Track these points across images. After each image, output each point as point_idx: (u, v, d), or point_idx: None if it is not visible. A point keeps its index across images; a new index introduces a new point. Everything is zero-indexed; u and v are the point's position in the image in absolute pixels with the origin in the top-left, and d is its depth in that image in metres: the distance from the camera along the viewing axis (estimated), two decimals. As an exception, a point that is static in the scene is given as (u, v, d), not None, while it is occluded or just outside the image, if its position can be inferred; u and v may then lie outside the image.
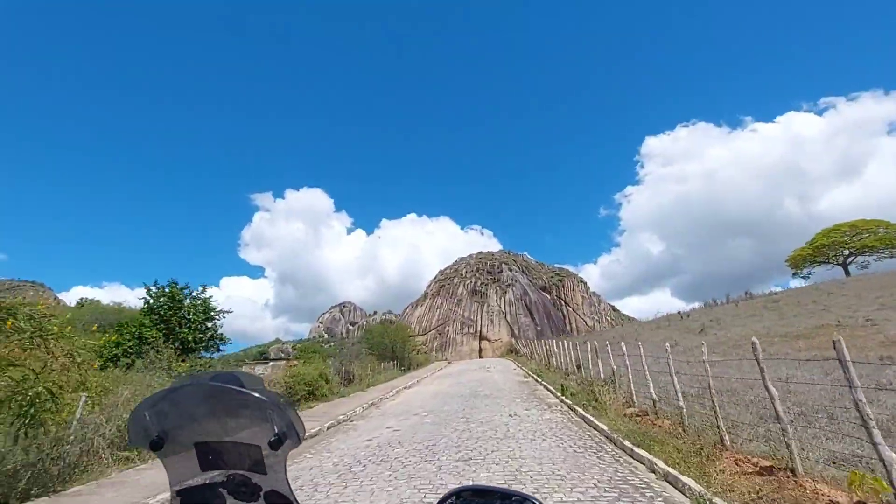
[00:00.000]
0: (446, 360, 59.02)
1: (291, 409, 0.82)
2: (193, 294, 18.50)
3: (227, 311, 19.82)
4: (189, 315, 17.99)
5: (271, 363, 42.02)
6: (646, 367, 11.62)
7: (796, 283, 60.97)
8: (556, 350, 25.75)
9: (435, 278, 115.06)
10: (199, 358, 17.77)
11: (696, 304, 52.37)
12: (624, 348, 13.64)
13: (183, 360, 15.87)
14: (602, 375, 16.00)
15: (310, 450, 10.30)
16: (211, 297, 18.93)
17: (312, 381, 17.83)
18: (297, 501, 0.90)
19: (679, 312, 43.91)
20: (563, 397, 15.41)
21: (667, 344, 12.16)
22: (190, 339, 17.70)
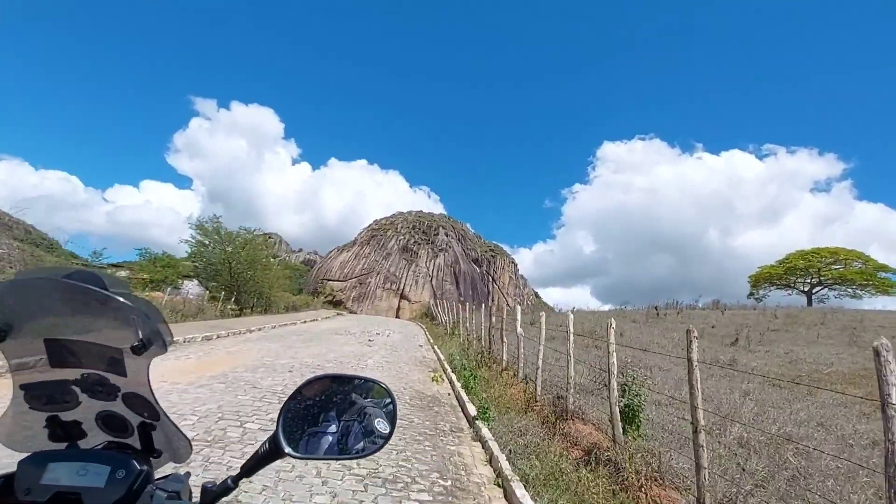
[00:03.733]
0: (339, 312, 41.63)
1: (159, 316, 0.70)
2: None
3: None
4: None
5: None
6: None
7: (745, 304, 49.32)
8: (517, 330, 9.96)
9: (369, 226, 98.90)
10: None
11: (645, 304, 38.49)
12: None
13: None
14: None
15: None
16: None
17: None
18: (158, 404, 0.79)
19: (655, 308, 30.02)
20: None
21: None
22: None
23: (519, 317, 10.03)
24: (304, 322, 22.05)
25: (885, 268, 43.28)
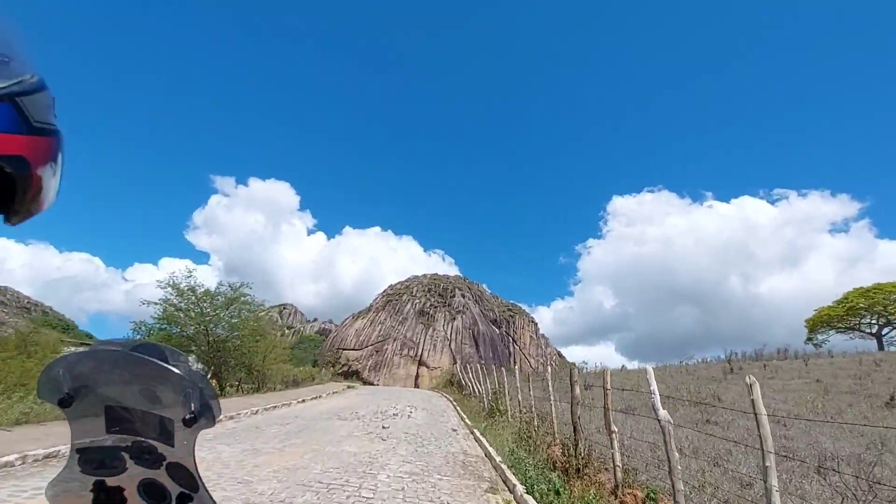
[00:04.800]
0: (350, 384, 35.24)
1: (212, 390, 0.75)
2: None
3: None
4: None
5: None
6: None
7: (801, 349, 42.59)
8: (658, 413, 4.92)
9: (384, 292, 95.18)
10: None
11: (692, 358, 32.03)
12: None
13: None
14: None
15: None
16: None
17: None
18: (199, 476, 0.80)
19: (728, 361, 24.32)
20: None
21: None
22: None
23: (654, 386, 5.17)
24: (302, 402, 16.96)
25: (965, 301, 37.06)
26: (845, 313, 41.68)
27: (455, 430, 12.23)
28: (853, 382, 17.40)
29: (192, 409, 0.72)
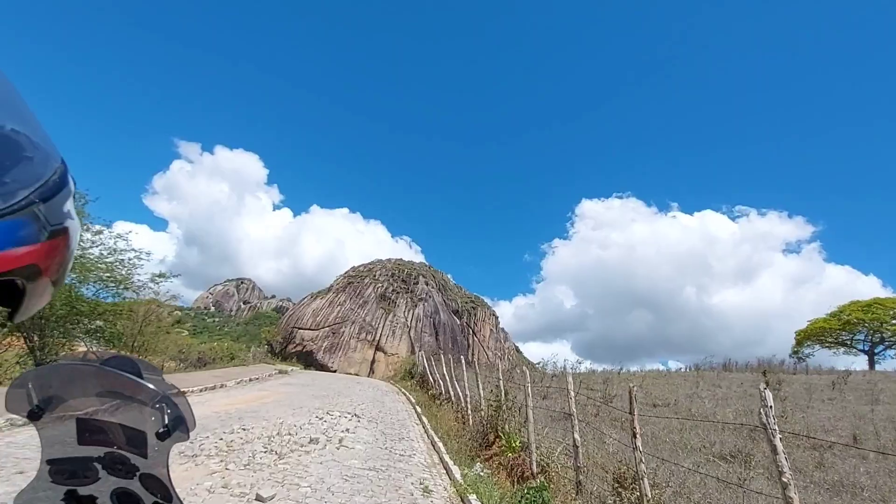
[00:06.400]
0: (282, 369, 26.23)
1: (186, 404, 0.72)
2: None
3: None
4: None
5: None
6: None
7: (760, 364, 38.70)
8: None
9: (345, 273, 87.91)
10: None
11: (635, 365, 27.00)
12: None
13: None
14: None
15: None
16: None
17: None
18: (173, 488, 0.77)
19: (763, 372, 18.87)
20: None
21: None
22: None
23: None
24: (186, 393, 10.12)
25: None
26: (840, 327, 37.92)
27: (428, 492, 5.66)
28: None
29: (165, 422, 0.69)
